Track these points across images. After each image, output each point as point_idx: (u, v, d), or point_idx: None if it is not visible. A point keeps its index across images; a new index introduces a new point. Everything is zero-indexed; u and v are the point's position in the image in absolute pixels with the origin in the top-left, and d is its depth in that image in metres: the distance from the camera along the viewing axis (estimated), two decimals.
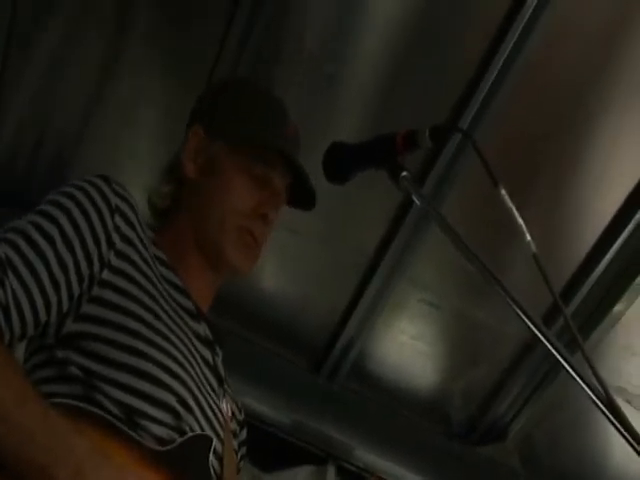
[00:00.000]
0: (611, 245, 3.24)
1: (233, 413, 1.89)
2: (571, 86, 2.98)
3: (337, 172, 1.82)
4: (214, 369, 1.80)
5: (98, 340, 1.59)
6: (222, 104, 1.95)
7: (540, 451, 3.89)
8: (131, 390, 1.56)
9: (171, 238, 1.85)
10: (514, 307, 1.48)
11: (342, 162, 1.80)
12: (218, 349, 1.84)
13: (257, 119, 1.91)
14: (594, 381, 1.35)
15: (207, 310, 1.86)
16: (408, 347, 3.66)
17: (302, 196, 1.96)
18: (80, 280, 1.59)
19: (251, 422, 3.46)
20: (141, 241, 1.72)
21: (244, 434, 1.97)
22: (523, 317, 1.47)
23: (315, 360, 3.72)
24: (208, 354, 1.80)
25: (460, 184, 3.12)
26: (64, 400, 1.53)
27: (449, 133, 1.65)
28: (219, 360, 1.84)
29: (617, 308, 3.39)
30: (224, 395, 1.83)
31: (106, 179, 1.68)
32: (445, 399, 3.82)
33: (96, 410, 1.53)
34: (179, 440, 1.58)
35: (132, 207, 1.70)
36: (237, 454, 1.89)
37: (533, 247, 1.52)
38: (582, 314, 3.38)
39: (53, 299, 1.56)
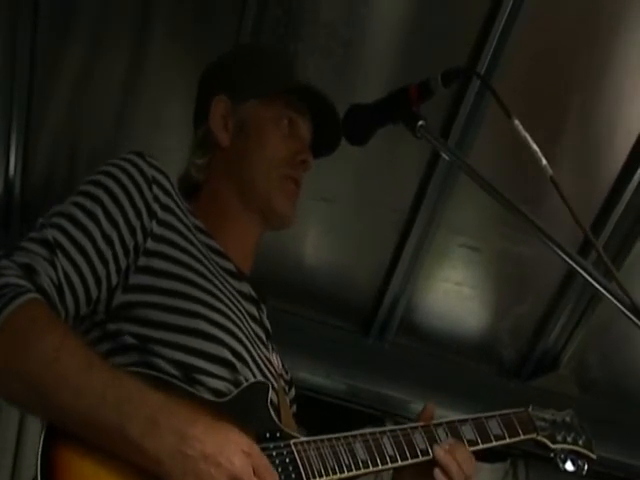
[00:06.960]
0: (632, 175, 3.37)
1: (283, 366, 1.94)
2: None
3: (356, 132, 1.86)
4: (261, 324, 1.87)
5: (149, 307, 1.64)
6: (237, 67, 1.98)
7: (594, 373, 3.97)
8: (186, 349, 1.62)
9: (208, 206, 1.89)
10: (549, 243, 1.52)
11: (359, 122, 1.85)
12: (262, 306, 1.91)
13: (275, 70, 1.97)
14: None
15: (248, 271, 1.91)
16: (453, 294, 3.74)
17: (325, 140, 2.01)
18: (126, 252, 1.65)
19: (306, 394, 3.53)
20: (180, 209, 1.77)
21: (293, 393, 2.01)
22: (558, 251, 1.51)
23: (363, 323, 3.80)
24: (254, 310, 1.86)
25: (485, 129, 3.19)
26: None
27: (459, 74, 1.73)
28: (264, 316, 1.91)
29: None
30: (273, 349, 1.90)
31: (139, 154, 1.74)
32: (494, 339, 3.89)
33: (154, 373, 1.57)
34: (236, 390, 1.64)
35: (167, 178, 1.76)
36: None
37: (549, 170, 1.58)
38: (616, 238, 3.50)
39: (102, 273, 1.62)
